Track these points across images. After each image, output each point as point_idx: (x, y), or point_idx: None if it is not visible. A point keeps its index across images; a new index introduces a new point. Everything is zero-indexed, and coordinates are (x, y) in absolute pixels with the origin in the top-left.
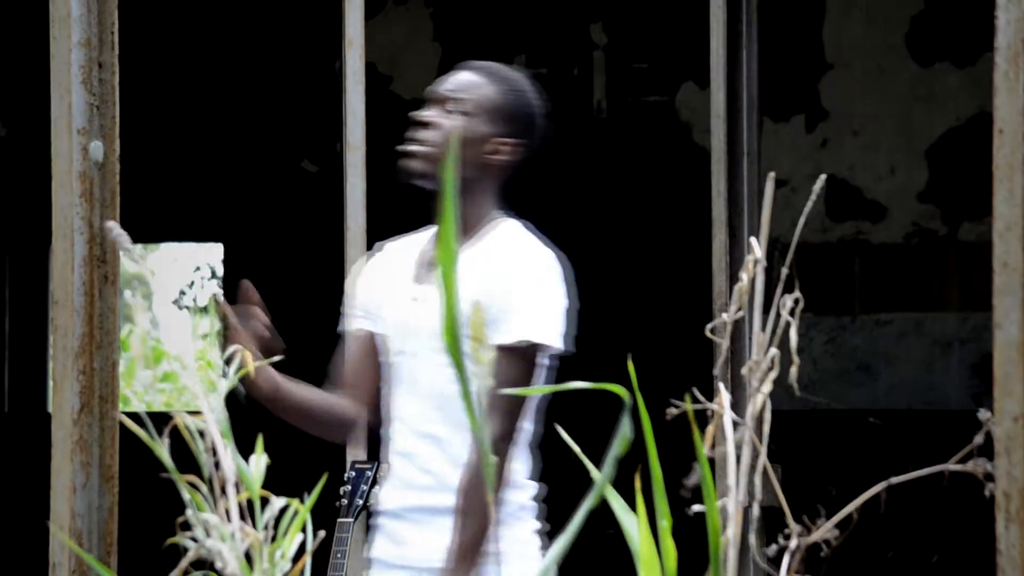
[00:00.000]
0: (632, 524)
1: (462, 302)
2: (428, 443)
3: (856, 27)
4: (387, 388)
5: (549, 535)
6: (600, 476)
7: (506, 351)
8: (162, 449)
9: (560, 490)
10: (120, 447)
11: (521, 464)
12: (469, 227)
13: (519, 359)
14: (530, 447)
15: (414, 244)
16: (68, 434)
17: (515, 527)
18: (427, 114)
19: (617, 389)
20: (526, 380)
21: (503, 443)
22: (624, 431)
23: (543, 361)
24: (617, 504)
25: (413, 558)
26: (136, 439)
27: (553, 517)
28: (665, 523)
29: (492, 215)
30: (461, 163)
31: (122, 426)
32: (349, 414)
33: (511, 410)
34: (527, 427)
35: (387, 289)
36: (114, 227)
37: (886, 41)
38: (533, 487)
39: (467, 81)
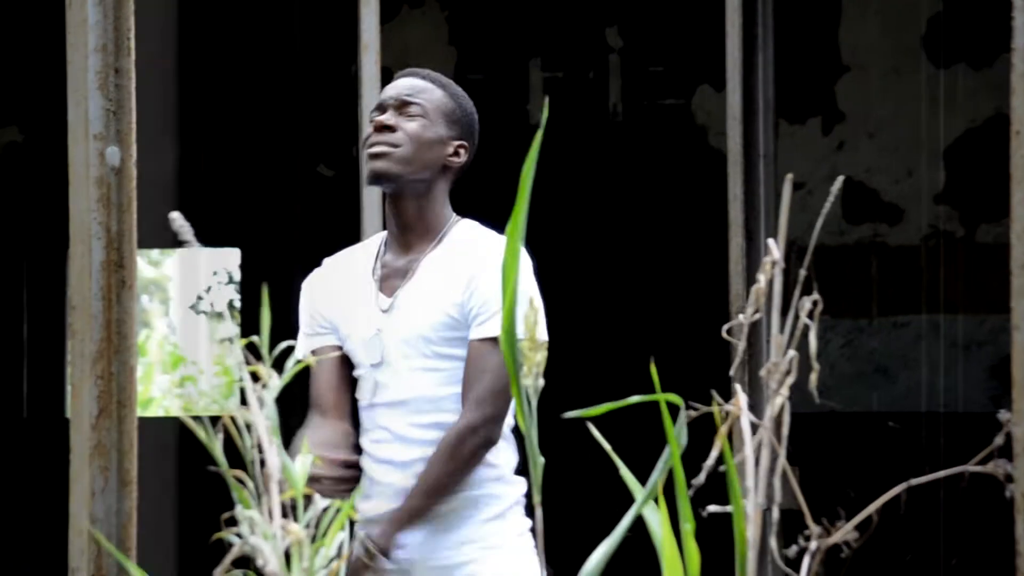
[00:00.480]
0: (657, 525)
1: (440, 302)
2: (419, 448)
3: (872, 29)
4: (362, 400)
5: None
6: (648, 483)
7: (494, 342)
8: (217, 447)
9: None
10: (138, 451)
11: (513, 458)
12: (430, 228)
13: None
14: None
15: (364, 255)
16: (86, 439)
17: (511, 522)
18: (387, 118)
19: (674, 399)
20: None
21: (496, 426)
22: (680, 438)
23: None
24: (648, 508)
25: (410, 560)
26: (151, 444)
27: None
28: (688, 526)
29: (449, 216)
30: (423, 165)
31: (140, 430)
32: (349, 439)
33: (504, 397)
34: (510, 420)
35: (350, 303)
36: (178, 218)
37: (902, 43)
38: (523, 483)
39: (421, 86)
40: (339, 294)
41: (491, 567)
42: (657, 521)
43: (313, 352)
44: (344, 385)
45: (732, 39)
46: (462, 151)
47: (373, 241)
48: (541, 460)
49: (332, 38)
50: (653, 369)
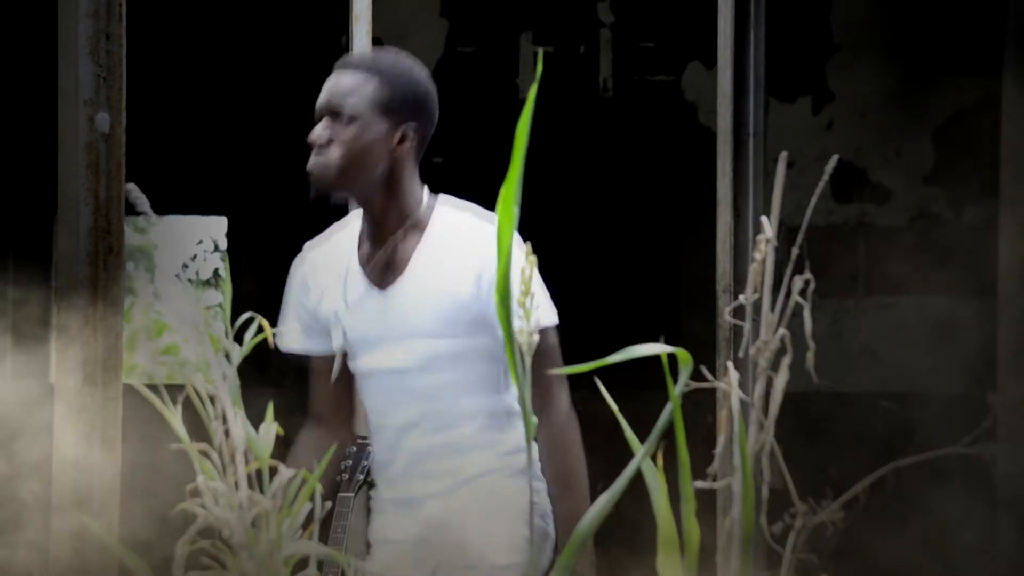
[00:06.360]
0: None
1: (441, 296)
2: (430, 439)
3: (864, 8)
4: (367, 397)
5: None
6: (649, 437)
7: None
8: (174, 417)
9: None
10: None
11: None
12: (403, 215)
13: (547, 340)
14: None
15: (343, 246)
16: (71, 404)
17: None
18: (320, 133)
19: (681, 354)
20: (559, 355)
21: (571, 414)
22: (675, 395)
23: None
24: (650, 476)
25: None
26: (138, 409)
27: None
28: (690, 506)
29: (422, 197)
30: (366, 169)
31: (124, 397)
32: (328, 444)
33: (562, 384)
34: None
35: (339, 296)
36: (133, 189)
37: (895, 23)
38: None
39: (351, 84)
40: (327, 287)
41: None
42: (656, 487)
43: (314, 358)
44: (343, 386)
45: (724, 16)
46: (410, 133)
47: (353, 222)
48: (534, 420)
49: (323, 7)
50: (663, 350)
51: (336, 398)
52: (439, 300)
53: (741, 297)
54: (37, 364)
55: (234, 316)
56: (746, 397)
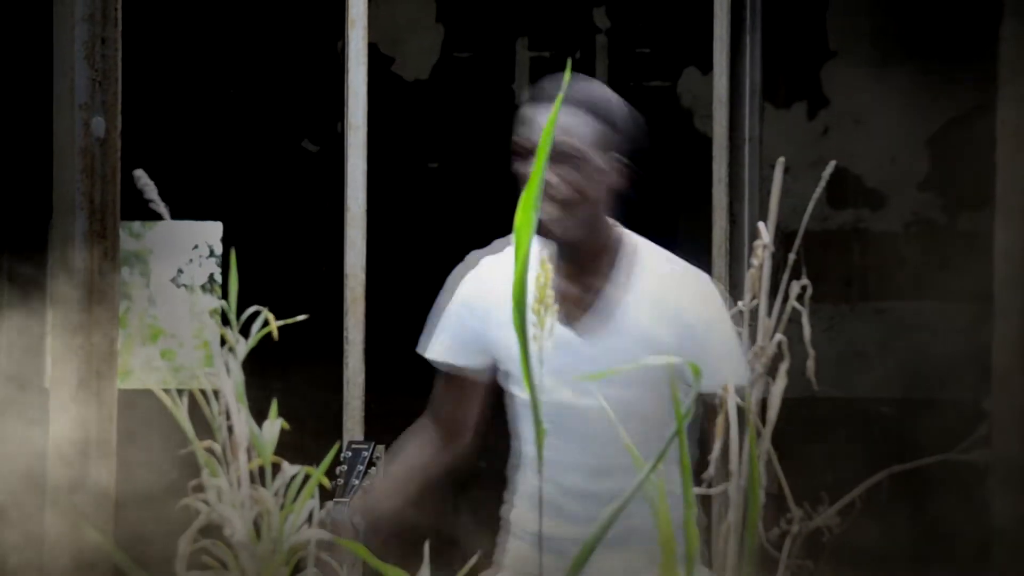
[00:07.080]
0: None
1: (644, 341)
2: (596, 480)
3: (860, 14)
4: (524, 425)
5: None
6: (657, 453)
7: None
8: (183, 415)
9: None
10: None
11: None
12: (606, 252)
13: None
14: None
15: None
16: (66, 409)
17: None
18: (550, 173)
19: (692, 366)
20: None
21: None
22: (689, 406)
23: None
24: (650, 483)
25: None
26: (130, 416)
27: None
28: (691, 512)
29: (614, 231)
30: (593, 210)
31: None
32: (446, 458)
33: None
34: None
35: (509, 325)
36: (142, 175)
37: (890, 29)
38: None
39: (568, 123)
40: (503, 313)
41: None
42: (656, 494)
43: (454, 372)
44: (475, 406)
45: (720, 22)
46: (624, 170)
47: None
48: (545, 427)
49: (319, 13)
50: (673, 361)
51: (465, 413)
52: (634, 352)
53: (739, 303)
54: (32, 368)
55: (225, 318)
56: (742, 402)
